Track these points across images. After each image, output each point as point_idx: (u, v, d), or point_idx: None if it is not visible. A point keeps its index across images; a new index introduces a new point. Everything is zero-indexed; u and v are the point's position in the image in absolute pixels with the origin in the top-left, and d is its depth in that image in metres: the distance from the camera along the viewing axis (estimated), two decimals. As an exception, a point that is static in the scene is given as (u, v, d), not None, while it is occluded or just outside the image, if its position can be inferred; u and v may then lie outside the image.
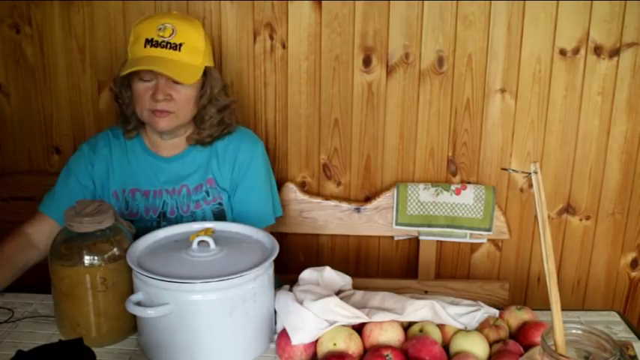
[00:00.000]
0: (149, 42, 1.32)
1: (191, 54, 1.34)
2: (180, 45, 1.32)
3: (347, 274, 1.24)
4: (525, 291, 1.89)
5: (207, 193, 1.44)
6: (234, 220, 1.44)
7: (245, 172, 1.45)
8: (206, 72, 1.39)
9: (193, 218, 1.42)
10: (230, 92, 1.51)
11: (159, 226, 1.37)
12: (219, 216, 1.44)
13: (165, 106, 1.33)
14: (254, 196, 1.47)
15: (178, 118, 1.37)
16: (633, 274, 1.87)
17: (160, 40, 1.32)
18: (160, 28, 1.32)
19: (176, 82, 1.33)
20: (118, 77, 1.39)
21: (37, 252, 1.35)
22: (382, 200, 1.77)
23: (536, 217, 1.37)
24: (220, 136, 1.46)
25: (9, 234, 1.36)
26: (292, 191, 1.77)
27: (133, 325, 1.10)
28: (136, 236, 1.15)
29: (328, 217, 1.78)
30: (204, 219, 1.42)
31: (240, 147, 1.46)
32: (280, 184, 1.74)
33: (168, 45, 1.32)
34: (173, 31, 1.33)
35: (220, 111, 1.44)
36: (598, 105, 1.73)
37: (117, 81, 1.42)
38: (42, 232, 1.37)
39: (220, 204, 1.44)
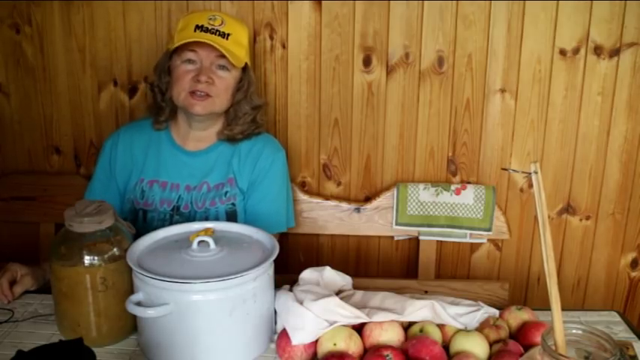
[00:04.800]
0: (199, 27, 1.37)
1: (236, 45, 1.40)
2: (229, 35, 1.39)
3: (347, 274, 1.24)
4: (525, 291, 1.89)
5: (226, 192, 1.45)
6: (245, 222, 1.45)
7: (264, 176, 1.47)
8: (245, 68, 1.45)
9: (206, 215, 1.43)
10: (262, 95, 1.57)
11: (172, 219, 1.42)
12: (232, 216, 1.45)
13: (205, 89, 1.37)
14: (268, 201, 1.48)
15: (214, 104, 1.40)
16: (633, 274, 1.87)
17: (209, 27, 1.38)
18: (210, 18, 1.39)
19: (220, 68, 1.39)
20: (160, 61, 1.45)
21: None
22: (382, 200, 1.77)
23: (536, 217, 1.37)
24: (249, 135, 1.49)
25: None
26: (292, 191, 1.76)
27: (133, 325, 1.10)
28: (138, 235, 1.16)
29: (328, 217, 1.78)
30: (217, 217, 1.43)
31: (262, 151, 1.48)
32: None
33: (217, 32, 1.38)
34: (223, 21, 1.39)
35: (254, 109, 1.49)
36: (598, 105, 1.72)
37: (157, 66, 1.47)
38: None
39: (234, 204, 1.45)
